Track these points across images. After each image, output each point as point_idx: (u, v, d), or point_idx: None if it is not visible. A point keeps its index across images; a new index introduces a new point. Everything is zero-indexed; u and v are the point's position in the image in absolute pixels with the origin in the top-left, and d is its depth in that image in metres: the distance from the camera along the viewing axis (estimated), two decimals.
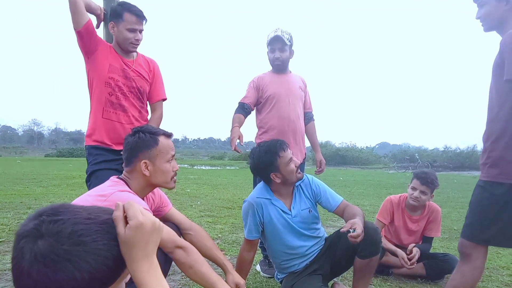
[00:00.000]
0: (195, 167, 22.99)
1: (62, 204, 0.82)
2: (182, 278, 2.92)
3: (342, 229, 2.05)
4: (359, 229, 1.98)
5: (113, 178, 1.79)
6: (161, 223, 0.89)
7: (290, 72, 3.26)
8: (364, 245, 2.13)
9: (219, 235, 4.35)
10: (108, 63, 2.47)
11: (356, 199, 7.79)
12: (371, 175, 19.00)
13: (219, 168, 22.52)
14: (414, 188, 3.00)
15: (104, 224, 0.81)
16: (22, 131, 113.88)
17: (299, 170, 2.38)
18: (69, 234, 0.75)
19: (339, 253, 2.36)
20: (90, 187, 2.41)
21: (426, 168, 3.23)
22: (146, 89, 2.64)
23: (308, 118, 3.36)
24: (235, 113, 3.10)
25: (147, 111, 2.72)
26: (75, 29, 2.36)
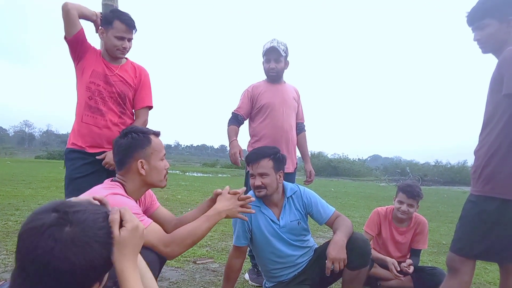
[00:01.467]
0: (187, 173, 22.87)
1: (63, 200, 0.92)
2: (170, 285, 2.90)
3: (326, 270, 2.09)
4: (338, 264, 2.06)
5: (107, 181, 1.79)
6: (145, 229, 1.02)
7: (284, 82, 3.30)
8: (353, 257, 2.14)
9: (209, 243, 4.33)
10: (91, 69, 2.52)
11: (347, 211, 7.80)
12: (362, 187, 19.07)
13: (211, 175, 22.43)
14: (401, 202, 3.02)
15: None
16: (13, 132, 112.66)
17: (259, 190, 2.36)
18: (92, 222, 0.88)
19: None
20: (68, 195, 2.42)
21: (410, 181, 3.24)
22: (129, 95, 2.63)
23: (300, 128, 3.39)
24: (229, 125, 3.18)
25: (131, 117, 2.70)
26: (65, 38, 2.44)
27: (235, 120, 3.19)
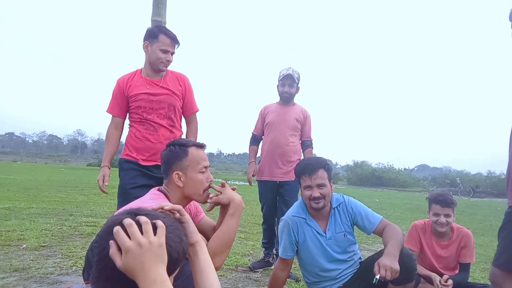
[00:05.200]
0: (229, 182, 23.15)
1: (137, 207, 1.03)
2: None
3: (375, 276, 2.01)
4: (389, 273, 1.96)
5: (154, 191, 1.86)
6: None
7: (294, 104, 3.74)
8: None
9: (251, 252, 4.36)
10: (136, 93, 2.69)
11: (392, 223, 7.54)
12: (409, 198, 18.38)
13: (253, 184, 22.52)
14: (436, 214, 2.87)
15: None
16: (67, 140, 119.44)
17: (316, 201, 2.32)
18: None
19: (374, 277, 2.30)
20: (120, 203, 2.58)
21: (439, 190, 3.08)
22: (177, 105, 2.77)
23: (306, 145, 3.76)
24: (250, 145, 3.85)
25: (179, 129, 2.85)
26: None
27: (254, 140, 3.84)
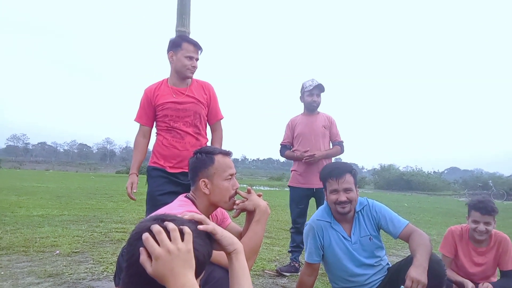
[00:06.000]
0: (254, 187, 23.19)
1: (164, 213, 1.07)
2: None
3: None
4: (418, 286, 1.92)
5: (181, 198, 1.89)
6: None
7: (319, 113, 3.89)
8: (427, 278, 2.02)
9: (277, 257, 4.35)
10: (163, 102, 2.77)
11: (422, 228, 7.30)
12: (439, 202, 17.87)
13: (277, 189, 22.50)
14: (476, 221, 2.76)
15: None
16: (97, 149, 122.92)
17: (342, 205, 2.31)
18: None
19: (401, 285, 2.26)
20: (149, 209, 2.66)
21: (480, 196, 2.94)
22: (202, 113, 2.84)
23: (334, 145, 3.90)
24: (283, 152, 3.97)
25: (205, 137, 2.91)
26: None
27: (285, 148, 3.97)
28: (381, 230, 2.44)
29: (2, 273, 3.17)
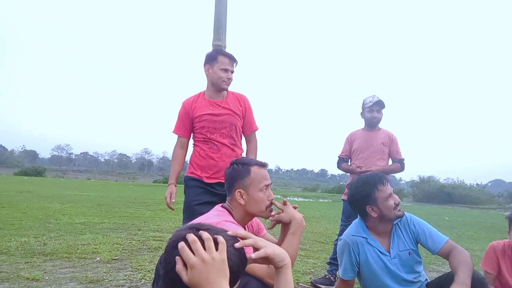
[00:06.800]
0: (288, 198, 23.07)
1: (199, 223, 1.11)
2: None
3: None
4: None
5: (218, 207, 1.93)
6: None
7: (379, 129, 3.88)
8: None
9: (311, 270, 4.29)
10: (200, 114, 2.85)
11: (464, 243, 7.04)
12: (483, 216, 17.04)
13: (311, 200, 22.28)
14: None
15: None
16: (135, 158, 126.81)
17: (399, 208, 2.27)
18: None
19: None
20: (186, 219, 2.72)
21: None
22: (238, 124, 2.90)
23: (395, 162, 3.89)
24: (340, 165, 4.03)
25: (240, 147, 2.96)
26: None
27: (343, 161, 4.02)
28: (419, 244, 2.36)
29: (47, 278, 3.32)
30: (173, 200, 2.83)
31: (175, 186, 2.91)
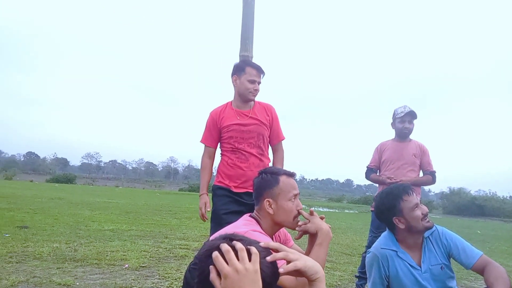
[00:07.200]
0: (313, 208, 22.85)
1: (232, 233, 1.13)
2: None
3: None
4: None
5: (246, 217, 1.94)
6: None
7: (411, 140, 3.83)
8: None
9: (338, 283, 4.23)
10: (228, 124, 2.88)
11: (497, 258, 6.76)
12: None
13: (337, 210, 21.98)
14: None
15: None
16: (162, 167, 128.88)
17: (427, 219, 2.21)
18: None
19: None
20: (213, 227, 2.74)
21: None
22: (265, 134, 2.92)
23: (426, 174, 3.82)
24: (369, 175, 3.99)
25: (268, 157, 2.99)
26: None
27: (371, 171, 3.99)
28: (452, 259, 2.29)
29: (78, 283, 3.41)
30: (208, 209, 2.88)
31: (207, 195, 2.95)
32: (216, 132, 2.95)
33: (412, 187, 2.29)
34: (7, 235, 5.54)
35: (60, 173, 56.04)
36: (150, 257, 4.75)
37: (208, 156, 3.02)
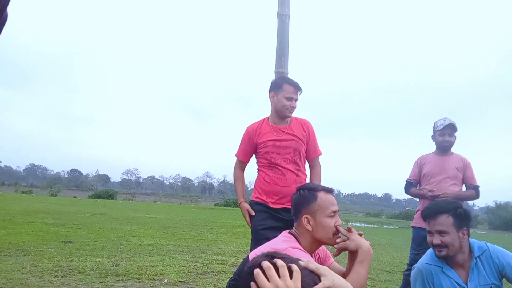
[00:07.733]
0: (350, 223, 22.34)
1: (275, 251, 1.14)
2: None
3: None
4: None
5: (285, 233, 1.93)
6: None
7: (452, 153, 3.72)
8: None
9: None
10: (264, 140, 2.90)
11: None
12: None
13: (375, 226, 21.38)
14: None
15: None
16: (197, 182, 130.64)
17: (436, 248, 2.15)
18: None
19: None
20: (253, 242, 2.79)
21: None
22: (302, 150, 2.91)
23: (469, 188, 3.69)
24: (410, 190, 3.86)
25: (305, 173, 2.98)
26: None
27: (411, 185, 3.87)
28: (504, 279, 2.17)
29: None
30: (253, 214, 2.87)
31: (246, 202, 2.99)
32: (251, 147, 2.99)
33: (432, 214, 2.21)
34: (52, 249, 5.79)
35: (102, 189, 57.96)
36: (188, 272, 4.81)
37: (240, 168, 3.10)
